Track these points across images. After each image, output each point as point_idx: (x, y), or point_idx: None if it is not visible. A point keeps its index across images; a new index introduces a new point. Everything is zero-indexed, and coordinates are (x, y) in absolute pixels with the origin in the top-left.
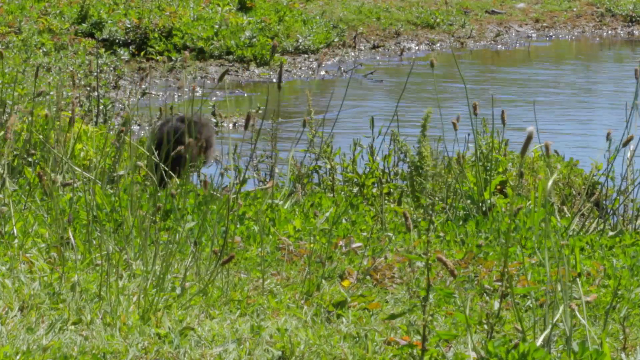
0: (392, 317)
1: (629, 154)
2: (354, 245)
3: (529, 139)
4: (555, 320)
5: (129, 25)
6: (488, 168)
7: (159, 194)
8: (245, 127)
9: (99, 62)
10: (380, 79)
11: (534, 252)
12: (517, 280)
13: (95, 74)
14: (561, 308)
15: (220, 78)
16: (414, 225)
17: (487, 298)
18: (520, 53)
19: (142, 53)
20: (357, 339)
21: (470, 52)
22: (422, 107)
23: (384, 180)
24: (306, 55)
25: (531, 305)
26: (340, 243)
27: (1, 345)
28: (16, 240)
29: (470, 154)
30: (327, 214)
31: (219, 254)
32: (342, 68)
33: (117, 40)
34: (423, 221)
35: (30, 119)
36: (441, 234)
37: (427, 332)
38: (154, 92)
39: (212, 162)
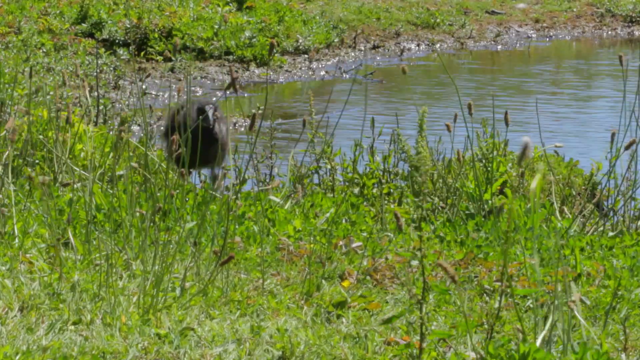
0: (387, 321)
1: (625, 153)
2: (354, 245)
3: (525, 148)
4: (551, 320)
5: (128, 26)
6: (488, 169)
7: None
8: (250, 127)
9: (99, 62)
10: (380, 79)
11: (534, 252)
12: (517, 280)
13: (95, 73)
14: (553, 308)
15: (227, 87)
16: (414, 226)
17: (487, 298)
18: (520, 53)
19: (142, 53)
20: (357, 339)
21: (470, 53)
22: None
23: (384, 181)
24: (306, 56)
25: (531, 306)
26: (340, 243)
27: (1, 345)
28: (16, 240)
29: (470, 154)
30: (327, 215)
31: (219, 254)
32: (342, 68)
33: (117, 41)
34: (423, 221)
35: (30, 118)
36: (441, 234)
37: (424, 330)
38: (154, 92)
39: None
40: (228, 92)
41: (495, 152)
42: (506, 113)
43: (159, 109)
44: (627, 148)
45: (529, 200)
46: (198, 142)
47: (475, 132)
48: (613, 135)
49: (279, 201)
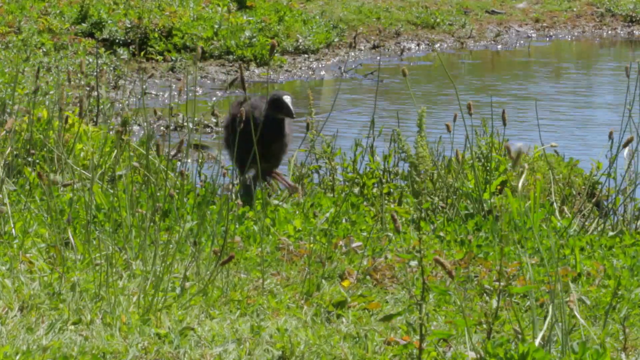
0: (387, 318)
1: (625, 154)
2: (354, 245)
3: (519, 154)
4: (549, 319)
5: (129, 25)
6: (487, 168)
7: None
8: (239, 123)
9: (99, 62)
10: (380, 79)
11: (534, 252)
12: (517, 280)
13: (95, 73)
14: (550, 309)
15: (230, 84)
16: (414, 226)
17: (487, 298)
18: (520, 53)
19: (142, 53)
20: (357, 339)
21: (470, 52)
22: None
23: (384, 180)
24: (306, 55)
25: (531, 306)
26: (340, 243)
27: (1, 345)
28: (16, 240)
29: (469, 154)
30: (327, 215)
31: (219, 253)
32: (342, 68)
33: (117, 40)
34: (423, 221)
35: (30, 118)
36: (441, 234)
37: (424, 331)
38: (154, 92)
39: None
40: (229, 91)
41: (494, 152)
42: (503, 112)
43: (160, 109)
44: (624, 146)
45: (529, 200)
46: (260, 135)
47: (474, 131)
48: (611, 134)
49: (279, 204)
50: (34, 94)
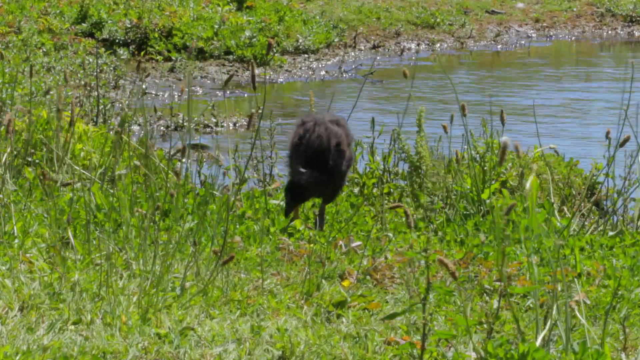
0: (391, 316)
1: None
2: (353, 244)
3: (503, 149)
4: (550, 319)
5: (129, 25)
6: (485, 168)
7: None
8: (248, 126)
9: (99, 62)
10: (380, 79)
11: (534, 252)
12: (517, 280)
13: (95, 73)
14: (553, 307)
15: (226, 82)
16: (413, 226)
17: (487, 298)
18: (520, 53)
19: (142, 53)
20: (357, 339)
21: (471, 52)
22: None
23: (384, 180)
24: (306, 56)
25: (531, 305)
26: (340, 243)
27: (1, 345)
28: (16, 240)
29: (467, 154)
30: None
31: (219, 254)
32: (342, 68)
33: (117, 40)
34: (421, 222)
35: (30, 118)
36: (440, 234)
37: (427, 330)
38: (154, 92)
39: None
40: (229, 91)
41: (491, 152)
42: (502, 112)
43: (160, 109)
44: (621, 145)
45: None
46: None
47: (470, 132)
48: (608, 133)
49: (279, 203)
50: (45, 95)
